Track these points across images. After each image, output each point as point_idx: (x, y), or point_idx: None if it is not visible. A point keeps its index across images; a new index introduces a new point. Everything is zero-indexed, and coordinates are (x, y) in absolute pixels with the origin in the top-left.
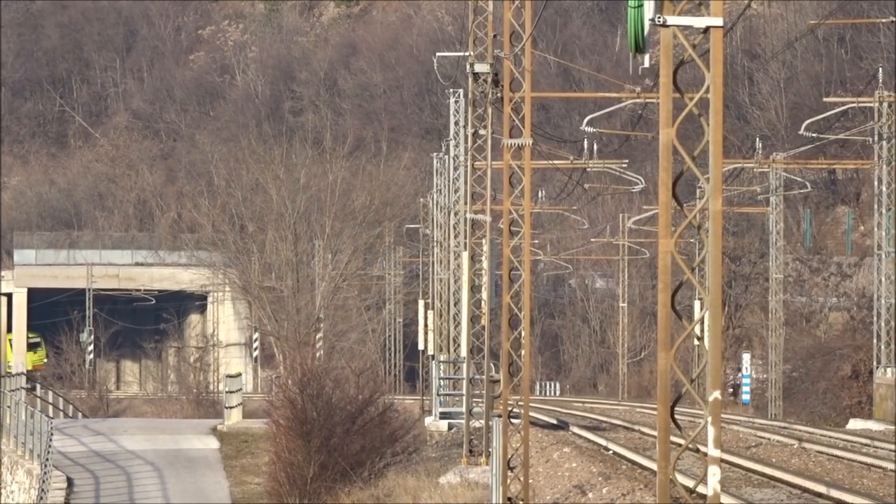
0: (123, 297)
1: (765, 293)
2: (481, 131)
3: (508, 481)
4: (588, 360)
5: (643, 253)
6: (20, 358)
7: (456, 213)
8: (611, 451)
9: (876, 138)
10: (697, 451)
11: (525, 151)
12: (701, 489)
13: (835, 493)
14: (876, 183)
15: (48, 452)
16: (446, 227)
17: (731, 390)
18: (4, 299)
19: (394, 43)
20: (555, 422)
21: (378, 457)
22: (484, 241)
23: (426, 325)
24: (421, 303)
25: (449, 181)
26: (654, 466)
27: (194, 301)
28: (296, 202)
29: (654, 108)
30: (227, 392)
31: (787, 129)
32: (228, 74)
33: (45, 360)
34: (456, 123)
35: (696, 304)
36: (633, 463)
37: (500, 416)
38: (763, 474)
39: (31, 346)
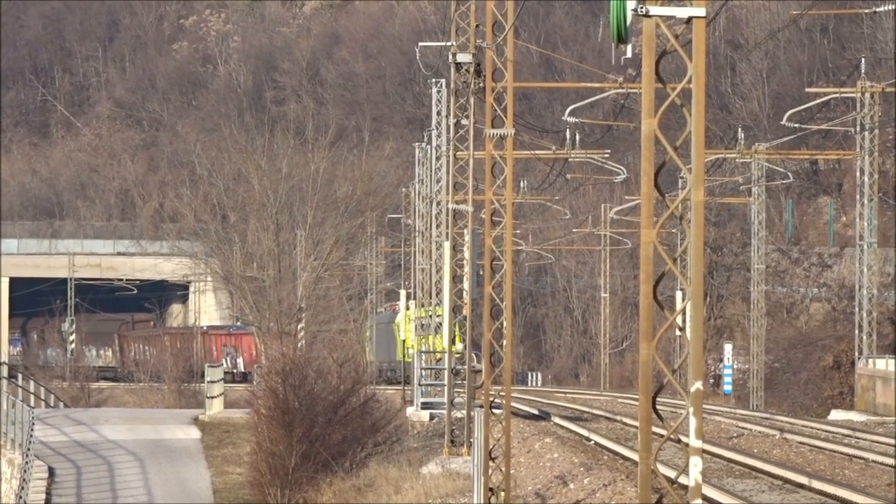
0: (105, 287)
1: (746, 283)
2: (463, 121)
3: (490, 472)
4: (570, 351)
5: (625, 243)
6: (5, 347)
7: (438, 203)
8: (592, 442)
9: (858, 129)
10: (679, 441)
11: (507, 141)
12: (682, 480)
13: (816, 484)
14: (858, 173)
15: (30, 442)
16: (428, 217)
17: (713, 381)
18: None
19: (376, 33)
20: (537, 412)
21: (360, 447)
22: (466, 231)
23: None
24: (403, 293)
25: (431, 171)
26: (635, 457)
27: (176, 291)
28: (278, 192)
29: (636, 99)
30: (208, 382)
31: (769, 119)
32: (211, 64)
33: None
34: (438, 113)
35: (678, 294)
36: (615, 453)
37: (481, 406)
38: (745, 465)
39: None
